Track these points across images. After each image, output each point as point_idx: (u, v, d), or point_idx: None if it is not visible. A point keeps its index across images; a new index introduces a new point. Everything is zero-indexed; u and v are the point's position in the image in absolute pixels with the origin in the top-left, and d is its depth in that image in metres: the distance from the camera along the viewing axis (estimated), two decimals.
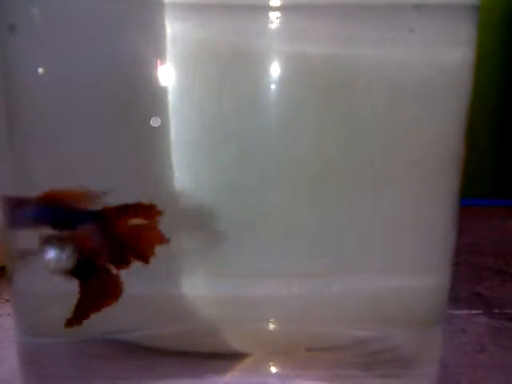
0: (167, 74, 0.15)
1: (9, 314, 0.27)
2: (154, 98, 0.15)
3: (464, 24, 0.16)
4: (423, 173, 0.17)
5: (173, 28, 0.15)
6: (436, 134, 0.17)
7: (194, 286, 0.16)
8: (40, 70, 0.15)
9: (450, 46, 0.16)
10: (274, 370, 0.16)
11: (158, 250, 0.16)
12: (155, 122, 0.15)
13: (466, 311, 0.27)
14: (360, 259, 0.17)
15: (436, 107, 0.16)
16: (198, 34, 0.15)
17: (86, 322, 0.16)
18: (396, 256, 0.17)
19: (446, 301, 0.18)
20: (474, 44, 0.16)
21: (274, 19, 0.14)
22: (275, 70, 0.15)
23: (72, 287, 0.16)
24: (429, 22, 0.16)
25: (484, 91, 0.56)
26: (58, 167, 0.15)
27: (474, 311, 0.27)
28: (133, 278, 0.16)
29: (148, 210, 0.15)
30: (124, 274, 0.16)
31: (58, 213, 0.15)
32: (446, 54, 0.16)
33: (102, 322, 0.16)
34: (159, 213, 0.15)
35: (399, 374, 0.17)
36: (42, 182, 0.16)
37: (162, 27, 0.15)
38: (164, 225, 0.15)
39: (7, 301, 0.29)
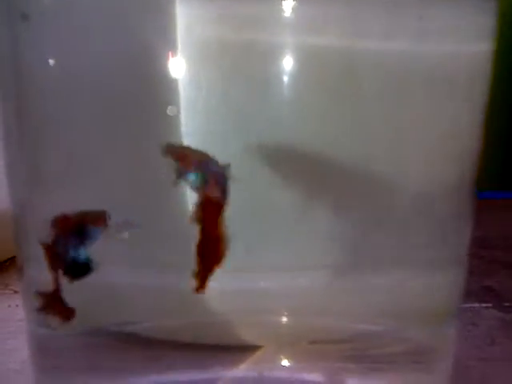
0: (177, 65, 0.15)
1: (17, 305, 0.27)
2: (166, 87, 0.15)
3: (482, 14, 0.16)
4: (437, 166, 0.17)
5: (182, 17, 0.15)
6: (452, 126, 0.16)
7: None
8: (51, 61, 0.15)
9: (467, 37, 0.16)
10: (281, 363, 0.16)
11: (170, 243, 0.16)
12: (172, 111, 0.15)
13: (476, 304, 0.27)
14: (371, 253, 0.16)
15: (451, 99, 0.16)
16: (207, 22, 0.15)
17: (99, 313, 0.16)
18: (409, 250, 0.17)
19: (460, 295, 0.18)
20: (493, 35, 0.16)
21: (284, 9, 0.14)
22: (284, 59, 0.15)
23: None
24: (443, 11, 0.15)
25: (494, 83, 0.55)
26: (69, 161, 0.15)
27: (484, 304, 0.27)
28: (143, 270, 0.16)
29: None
30: (135, 267, 0.16)
31: None
32: (462, 45, 0.16)
33: (113, 313, 0.16)
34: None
35: (414, 369, 0.17)
36: (53, 177, 0.15)
37: (173, 16, 0.14)
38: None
39: (15, 292, 0.29)
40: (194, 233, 0.16)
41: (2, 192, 0.18)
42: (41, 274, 0.17)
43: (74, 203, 0.15)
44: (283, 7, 0.14)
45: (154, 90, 0.15)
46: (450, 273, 0.18)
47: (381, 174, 0.16)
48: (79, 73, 0.15)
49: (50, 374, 0.17)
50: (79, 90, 0.15)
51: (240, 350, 0.16)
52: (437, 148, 0.16)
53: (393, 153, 0.16)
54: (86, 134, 0.15)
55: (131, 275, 0.16)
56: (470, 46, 0.16)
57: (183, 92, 0.15)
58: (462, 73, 0.16)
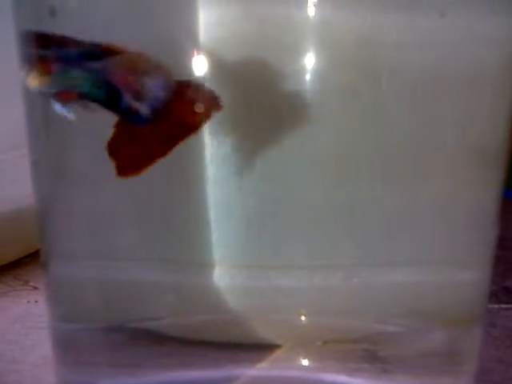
0: (197, 60, 0.15)
1: (36, 301, 0.27)
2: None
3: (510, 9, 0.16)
4: (463, 165, 0.16)
5: (202, 13, 0.15)
6: (478, 126, 0.16)
7: (219, 275, 0.16)
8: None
9: (495, 34, 0.16)
10: (297, 362, 0.16)
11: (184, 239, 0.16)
12: (199, 108, 0.15)
13: (495, 305, 0.26)
14: (391, 252, 0.16)
15: (476, 96, 0.16)
16: (228, 19, 0.15)
17: (119, 310, 0.17)
18: (430, 249, 0.17)
19: (485, 296, 0.18)
20: None
21: (304, 3, 0.14)
22: (304, 54, 0.15)
23: (107, 274, 0.16)
24: (466, 6, 0.15)
25: None
26: (93, 157, 0.15)
27: (503, 305, 0.26)
28: (162, 267, 0.16)
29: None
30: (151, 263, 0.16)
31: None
32: (489, 41, 0.16)
33: (132, 309, 0.17)
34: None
35: (434, 371, 0.17)
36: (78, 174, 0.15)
37: (196, 14, 0.14)
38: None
39: (35, 288, 0.29)
40: (213, 231, 0.16)
41: (23, 189, 0.18)
42: (64, 271, 0.17)
43: (97, 199, 0.15)
44: (305, 3, 0.14)
45: None
46: (474, 273, 0.18)
47: (404, 172, 0.16)
48: None
49: (71, 369, 0.17)
50: None
51: (257, 348, 0.16)
52: (463, 147, 0.16)
53: (416, 151, 0.16)
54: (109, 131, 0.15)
55: (150, 273, 0.16)
56: (498, 43, 0.16)
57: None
58: (490, 70, 0.16)
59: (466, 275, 0.17)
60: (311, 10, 0.14)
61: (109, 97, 0.13)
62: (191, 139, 0.15)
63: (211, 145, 0.15)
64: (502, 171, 0.17)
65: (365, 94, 0.15)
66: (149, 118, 0.13)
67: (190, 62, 0.15)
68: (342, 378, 0.16)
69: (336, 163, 0.15)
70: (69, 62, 0.13)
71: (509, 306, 0.26)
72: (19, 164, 0.19)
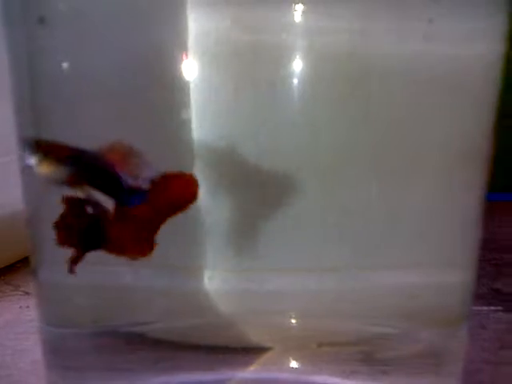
0: (188, 69, 0.15)
1: (28, 307, 0.27)
2: (176, 91, 0.15)
3: (493, 15, 0.16)
4: (449, 166, 0.17)
5: (192, 22, 0.15)
6: (463, 128, 0.16)
7: (210, 279, 0.16)
8: (67, 64, 0.15)
9: (477, 39, 0.16)
10: (289, 365, 0.16)
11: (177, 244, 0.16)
12: (184, 114, 0.15)
13: (485, 307, 0.27)
14: (381, 255, 0.16)
15: (460, 101, 0.16)
16: (217, 26, 0.15)
17: (109, 314, 0.17)
18: (419, 252, 0.17)
19: (471, 297, 0.18)
20: (505, 36, 0.16)
21: (292, 12, 0.14)
22: (293, 62, 0.15)
23: (97, 278, 0.16)
24: (452, 12, 0.15)
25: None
26: None
27: (493, 307, 0.27)
28: (154, 271, 0.16)
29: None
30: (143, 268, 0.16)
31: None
32: (472, 46, 0.16)
33: (124, 314, 0.17)
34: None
35: (424, 372, 0.17)
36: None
37: (185, 22, 0.15)
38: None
39: (26, 293, 0.29)
40: (205, 235, 0.16)
41: (14, 194, 0.18)
42: (54, 276, 0.17)
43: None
44: (294, 12, 0.14)
45: (166, 93, 0.15)
46: (460, 274, 0.18)
47: (393, 177, 0.16)
48: (94, 76, 0.15)
49: (61, 374, 0.17)
50: (94, 94, 0.15)
51: (249, 351, 0.16)
52: (447, 149, 0.16)
53: (402, 154, 0.16)
54: (100, 138, 0.15)
55: (142, 277, 0.16)
56: (481, 48, 0.16)
57: (194, 95, 0.15)
58: (473, 74, 0.16)
59: (453, 276, 0.18)
60: (300, 15, 0.14)
61: (108, 182, 0.13)
62: None
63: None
64: (485, 174, 0.17)
65: (355, 101, 0.15)
66: (145, 196, 0.13)
67: (180, 69, 0.15)
68: (334, 379, 0.16)
69: (329, 168, 0.16)
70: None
71: (498, 308, 0.27)
72: (10, 170, 0.19)
